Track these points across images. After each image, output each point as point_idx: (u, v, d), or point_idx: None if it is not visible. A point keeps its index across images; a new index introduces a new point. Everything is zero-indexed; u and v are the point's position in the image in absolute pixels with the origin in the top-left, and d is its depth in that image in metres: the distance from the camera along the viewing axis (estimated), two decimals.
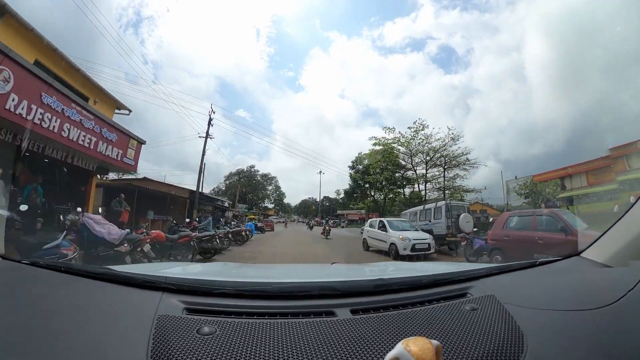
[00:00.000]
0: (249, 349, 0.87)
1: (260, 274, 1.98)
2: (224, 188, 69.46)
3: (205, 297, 1.15)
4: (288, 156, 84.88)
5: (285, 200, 79.13)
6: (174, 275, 1.41)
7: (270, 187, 76.71)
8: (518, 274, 1.56)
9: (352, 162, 38.04)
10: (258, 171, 74.22)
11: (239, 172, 71.76)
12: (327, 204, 74.37)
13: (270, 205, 76.50)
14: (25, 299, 1.09)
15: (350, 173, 35.92)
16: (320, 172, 67.81)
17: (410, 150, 28.15)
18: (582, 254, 1.58)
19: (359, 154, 36.31)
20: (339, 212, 65.64)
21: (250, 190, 69.79)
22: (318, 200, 72.76)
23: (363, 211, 45.30)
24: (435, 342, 0.65)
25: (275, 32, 65.12)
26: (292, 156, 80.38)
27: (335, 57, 75.56)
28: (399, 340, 0.65)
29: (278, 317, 1.04)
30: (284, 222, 39.67)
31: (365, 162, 34.12)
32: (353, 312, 1.10)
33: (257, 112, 66.97)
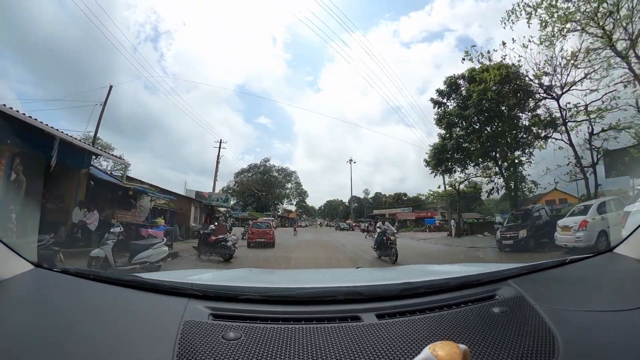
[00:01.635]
0: (273, 354, 0.89)
1: (285, 280, 2.09)
2: (236, 187, 58.03)
3: (230, 302, 1.16)
4: (310, 158, 77.39)
5: (308, 202, 70.26)
6: (200, 281, 1.42)
7: (289, 185, 64.38)
8: (548, 273, 1.53)
9: (437, 92, 21.56)
10: (274, 166, 62.16)
11: (251, 168, 60.00)
12: (356, 205, 66.32)
13: (291, 207, 65.06)
14: (56, 305, 1.16)
15: (438, 114, 20.98)
16: (351, 160, 56.26)
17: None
18: (615, 250, 1.56)
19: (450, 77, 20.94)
20: (375, 212, 52.84)
21: (264, 189, 57.80)
22: (350, 195, 61.13)
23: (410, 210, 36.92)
24: (462, 346, 0.66)
25: (290, 37, 64.52)
26: (314, 158, 75.31)
27: (352, 55, 76.85)
28: (426, 345, 0.67)
29: (303, 323, 1.03)
30: (293, 227, 28.29)
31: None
32: (379, 316, 1.08)
33: (278, 117, 66.20)
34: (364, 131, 70.71)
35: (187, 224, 20.01)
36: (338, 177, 79.21)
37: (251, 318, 1.06)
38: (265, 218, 22.36)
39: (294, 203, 66.61)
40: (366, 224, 44.75)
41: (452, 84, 20.52)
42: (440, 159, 20.52)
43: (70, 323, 1.01)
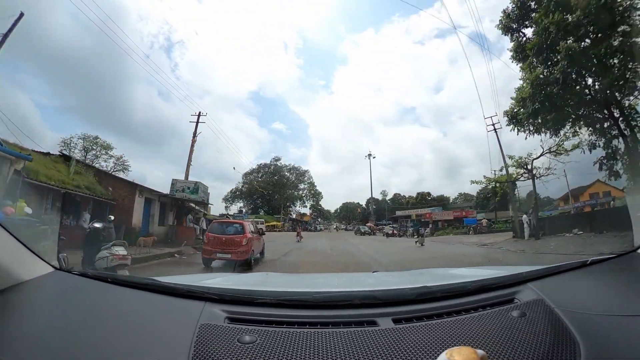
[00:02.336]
0: (289, 358, 0.89)
1: (301, 284, 2.06)
2: (244, 189, 52.71)
3: (246, 306, 1.17)
4: (325, 161, 75.18)
5: (324, 205, 65.57)
6: (216, 285, 1.45)
7: (302, 186, 58.62)
8: (568, 275, 1.49)
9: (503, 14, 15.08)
10: (285, 165, 56.63)
11: (260, 168, 54.54)
12: (374, 207, 60.68)
13: (305, 210, 59.57)
14: (75, 307, 1.20)
15: (517, 39, 14.31)
16: (370, 154, 50.14)
17: None
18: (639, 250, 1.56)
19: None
20: (398, 213, 48.07)
21: (275, 190, 52.19)
22: (370, 195, 55.40)
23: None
24: (480, 351, 0.66)
25: (302, 43, 64.67)
26: (329, 161, 73.18)
27: (364, 57, 72.28)
28: (443, 351, 0.67)
29: (319, 327, 1.03)
30: (296, 231, 22.39)
31: None
32: (395, 321, 1.07)
33: (292, 122, 65.59)
34: (379, 132, 69.51)
35: (129, 223, 14.03)
36: (354, 180, 76.32)
37: (267, 322, 1.06)
38: (247, 220, 15.13)
39: (309, 206, 60.92)
40: (390, 227, 39.47)
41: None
42: (541, 105, 12.36)
43: (88, 324, 1.04)
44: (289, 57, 64.52)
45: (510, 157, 19.00)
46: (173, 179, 20.54)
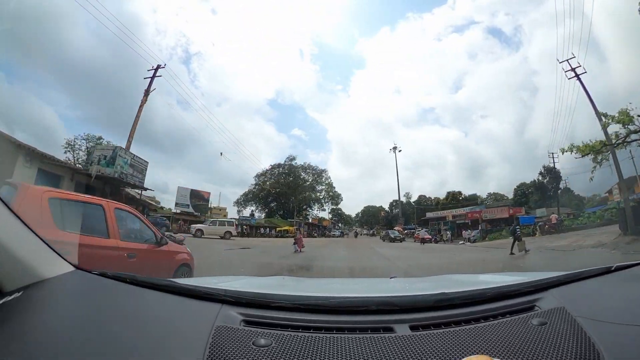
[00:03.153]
0: None
1: (318, 288, 2.03)
2: (255, 191, 47.91)
3: (263, 309, 1.17)
4: (345, 165, 73.58)
5: (343, 209, 60.92)
6: (234, 288, 1.40)
7: (320, 187, 53.20)
8: (592, 282, 1.44)
9: None
10: (301, 164, 51.54)
11: (274, 168, 49.59)
12: (396, 211, 55.86)
13: (324, 214, 54.28)
14: (94, 306, 1.22)
15: None
16: (395, 147, 44.14)
17: None
18: None
19: None
20: (429, 214, 42.53)
21: (289, 191, 47.02)
22: (398, 195, 49.24)
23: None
24: None
25: (317, 49, 63.61)
26: (349, 164, 71.37)
27: (380, 58, 72.59)
28: (461, 359, 0.67)
29: (335, 332, 1.03)
30: (296, 237, 16.62)
31: None
32: (412, 328, 1.06)
33: (311, 128, 65.45)
34: (400, 134, 69.46)
35: None
36: (375, 184, 74.90)
37: (283, 326, 1.07)
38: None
39: (328, 209, 55.48)
40: (424, 230, 33.63)
41: None
42: None
43: (106, 324, 1.06)
44: (305, 64, 64.63)
45: (604, 115, 12.86)
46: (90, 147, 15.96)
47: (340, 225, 60.07)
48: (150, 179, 28.04)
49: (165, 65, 22.36)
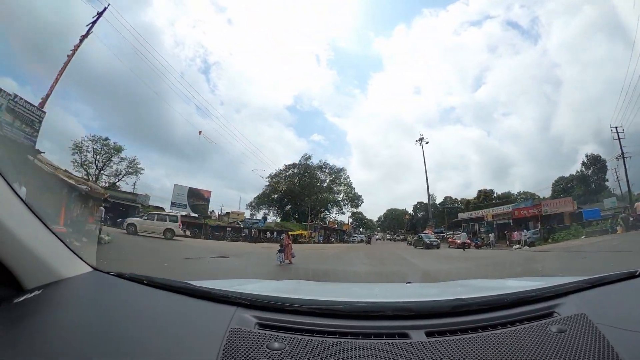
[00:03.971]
0: None
1: (333, 292, 2.01)
2: (268, 192, 43.96)
3: (277, 313, 1.17)
4: (365, 168, 69.58)
5: (364, 213, 56.40)
6: (249, 291, 1.43)
7: (339, 188, 48.52)
8: (614, 287, 1.39)
9: None
10: (317, 165, 47.12)
11: (288, 168, 45.43)
12: (422, 213, 52.62)
13: (343, 218, 49.67)
14: (111, 307, 1.25)
15: None
16: (422, 138, 39.01)
17: None
18: None
19: None
20: (462, 215, 37.59)
21: (304, 193, 42.70)
22: (427, 193, 44.08)
23: None
24: None
25: (333, 54, 64.89)
26: (369, 167, 67.08)
27: (398, 58, 68.50)
28: None
29: (349, 337, 1.02)
30: (284, 246, 10.98)
31: None
32: (428, 334, 1.05)
33: (330, 133, 63.24)
34: (421, 134, 59.25)
35: None
36: (397, 187, 70.47)
37: (297, 329, 1.06)
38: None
39: (348, 213, 50.73)
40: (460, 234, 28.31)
41: None
42: None
43: (122, 324, 1.08)
44: (323, 69, 62.71)
45: None
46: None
47: (361, 229, 55.43)
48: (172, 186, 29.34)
49: (109, 4, 20.44)
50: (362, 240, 42.55)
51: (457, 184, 67.76)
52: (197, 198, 30.40)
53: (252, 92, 60.02)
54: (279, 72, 70.90)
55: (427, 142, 39.20)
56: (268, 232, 31.26)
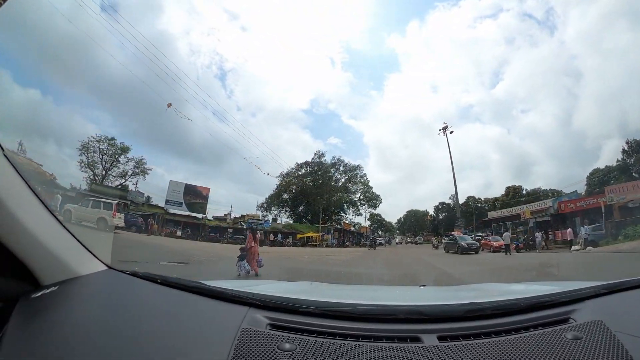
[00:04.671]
0: None
1: (345, 295, 2.01)
2: (280, 191, 40.85)
3: (289, 314, 1.17)
4: (383, 170, 63.16)
5: (383, 215, 51.31)
6: (261, 292, 1.41)
7: (355, 187, 44.80)
8: (634, 294, 1.34)
9: None
10: (332, 160, 43.63)
11: (299, 167, 42.10)
12: (443, 214, 47.98)
13: (360, 220, 45.99)
14: (125, 304, 1.29)
15: None
16: (446, 127, 34.95)
17: None
18: None
19: None
20: (492, 214, 34.02)
21: (317, 193, 39.35)
22: (454, 187, 39.51)
23: None
24: None
25: (348, 56, 57.99)
26: (387, 169, 61.05)
27: (413, 55, 61.26)
28: None
29: (360, 340, 1.01)
30: (245, 246, 7.95)
31: None
32: (440, 339, 1.03)
33: (347, 135, 57.24)
34: (440, 134, 56.39)
35: None
36: (416, 188, 64.48)
37: (308, 331, 1.06)
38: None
39: (366, 215, 46.91)
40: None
41: None
42: None
43: (136, 322, 1.10)
44: (337, 72, 57.84)
45: None
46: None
47: (380, 232, 51.05)
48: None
49: None
50: (380, 244, 38.88)
51: (477, 185, 62.26)
52: (195, 196, 27.58)
53: (268, 97, 58.70)
54: (294, 76, 71.60)
55: (451, 132, 35.10)
56: (271, 234, 28.23)
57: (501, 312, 1.19)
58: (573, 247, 17.00)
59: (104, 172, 29.16)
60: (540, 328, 1.09)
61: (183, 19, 53.59)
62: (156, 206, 26.99)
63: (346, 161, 43.22)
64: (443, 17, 57.63)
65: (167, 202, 26.28)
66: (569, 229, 18.73)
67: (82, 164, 27.87)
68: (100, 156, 29.26)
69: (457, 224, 33.08)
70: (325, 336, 1.02)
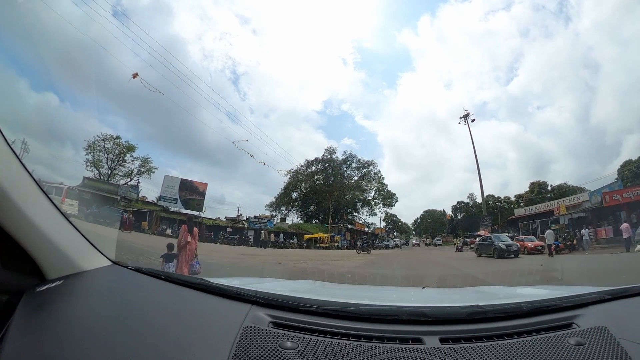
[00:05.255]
0: None
1: (348, 295, 2.06)
2: (287, 191, 38.73)
3: (291, 313, 1.18)
4: (398, 170, 63.36)
5: (398, 216, 50.35)
6: (264, 290, 1.40)
7: (370, 185, 42.22)
8: (638, 300, 1.33)
9: None
10: (344, 158, 41.18)
11: (310, 164, 39.82)
12: (462, 214, 47.28)
13: (374, 220, 43.31)
14: (128, 300, 1.29)
15: None
16: (467, 115, 32.15)
17: None
18: None
19: None
20: (519, 212, 31.13)
21: (327, 191, 37.01)
22: (480, 183, 36.56)
23: None
24: None
25: (360, 56, 60.95)
26: (402, 169, 61.91)
27: (425, 52, 63.30)
28: None
29: (362, 340, 1.02)
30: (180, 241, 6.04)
31: None
32: (442, 341, 1.03)
33: (361, 135, 59.28)
34: (455, 132, 56.19)
35: None
36: (431, 189, 64.95)
37: (310, 330, 1.06)
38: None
39: (381, 215, 44.12)
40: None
41: None
42: None
43: (139, 317, 1.10)
44: (350, 72, 58.68)
45: None
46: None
47: (395, 233, 49.31)
48: (208, 193, 28.41)
49: None
50: (396, 246, 35.99)
51: (494, 184, 61.95)
52: (191, 192, 25.58)
53: (280, 99, 59.71)
54: (307, 78, 70.28)
55: (473, 120, 32.00)
56: (271, 234, 25.73)
57: (504, 315, 1.19)
58: (638, 247, 13.80)
59: (109, 171, 28.73)
60: (543, 332, 1.09)
61: (195, 25, 53.97)
62: (151, 203, 25.40)
63: (359, 157, 40.66)
64: (455, 11, 55.47)
65: (161, 198, 24.53)
66: (625, 224, 15.36)
67: (88, 163, 27.88)
68: (106, 155, 29.10)
69: (482, 223, 29.96)
70: (327, 335, 1.02)
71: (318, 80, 71.32)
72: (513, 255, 15.19)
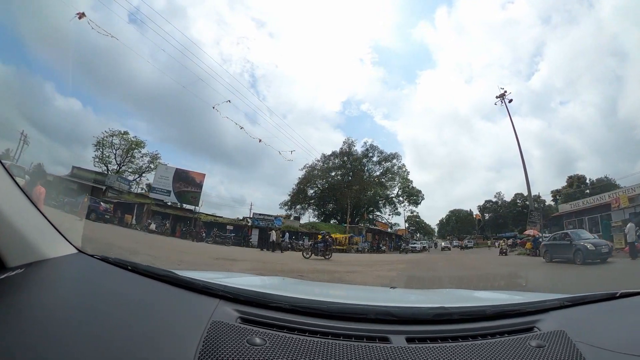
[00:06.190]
0: None
1: (317, 292, 2.06)
2: (301, 188, 35.51)
3: (260, 308, 1.18)
4: (421, 169, 68.02)
5: (418, 214, 45.13)
6: (232, 284, 1.42)
7: (393, 181, 38.45)
8: (594, 307, 1.42)
9: None
10: (363, 152, 37.61)
11: (327, 158, 36.35)
12: (489, 215, 45.81)
13: (398, 220, 39.34)
14: (93, 290, 1.25)
15: None
16: (504, 94, 27.91)
17: None
18: None
19: None
20: (564, 208, 27.27)
21: (346, 186, 33.49)
22: (524, 172, 31.44)
23: None
24: None
25: (377, 56, 64.07)
26: (424, 168, 64.23)
27: (443, 47, 65.08)
28: None
29: (330, 337, 1.03)
30: None
31: None
32: (409, 340, 1.06)
33: (381, 135, 61.06)
34: (478, 128, 59.20)
35: None
36: (453, 189, 64.12)
37: (278, 326, 1.07)
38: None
39: (405, 212, 40.01)
40: None
41: None
42: None
43: (103, 308, 1.07)
44: (368, 72, 59.07)
45: None
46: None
47: (418, 235, 45.66)
48: (228, 194, 25.67)
49: None
50: (424, 248, 31.92)
51: (519, 183, 58.56)
52: (186, 183, 22.72)
53: (299, 102, 61.65)
54: (325, 80, 72.13)
55: (510, 101, 27.39)
56: (273, 233, 21.88)
57: (469, 317, 1.23)
58: None
59: (117, 167, 27.66)
60: (507, 335, 1.12)
61: (212, 30, 58.72)
62: (142, 195, 23.20)
63: (380, 148, 36.70)
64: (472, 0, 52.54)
65: (152, 189, 21.83)
66: None
67: (96, 159, 27.22)
68: (114, 150, 28.19)
69: (530, 220, 25.36)
70: (296, 332, 1.03)
71: (336, 81, 72.46)
72: (599, 261, 10.90)
